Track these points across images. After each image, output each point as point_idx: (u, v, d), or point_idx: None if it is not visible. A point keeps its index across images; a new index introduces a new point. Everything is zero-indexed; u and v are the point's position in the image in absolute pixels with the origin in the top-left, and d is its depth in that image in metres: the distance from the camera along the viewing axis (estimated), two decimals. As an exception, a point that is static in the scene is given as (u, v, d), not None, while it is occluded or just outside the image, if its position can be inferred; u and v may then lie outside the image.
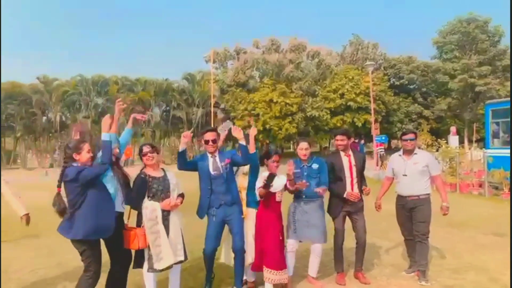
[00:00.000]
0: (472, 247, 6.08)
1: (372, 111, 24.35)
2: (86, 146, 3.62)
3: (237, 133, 4.29)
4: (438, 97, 39.30)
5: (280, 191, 4.33)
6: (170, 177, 4.01)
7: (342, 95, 34.13)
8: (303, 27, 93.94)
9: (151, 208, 3.80)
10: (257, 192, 4.26)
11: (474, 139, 33.60)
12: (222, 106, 36.44)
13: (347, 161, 4.70)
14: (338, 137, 4.76)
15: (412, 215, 4.77)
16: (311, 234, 4.48)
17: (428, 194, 4.75)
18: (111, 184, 3.77)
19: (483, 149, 14.86)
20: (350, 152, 4.76)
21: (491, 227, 7.60)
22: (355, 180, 4.66)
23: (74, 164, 3.54)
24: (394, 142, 42.75)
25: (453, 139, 20.31)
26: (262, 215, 4.32)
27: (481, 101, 32.34)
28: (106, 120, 3.72)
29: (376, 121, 30.39)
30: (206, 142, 4.31)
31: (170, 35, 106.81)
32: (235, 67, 38.18)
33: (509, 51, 37.11)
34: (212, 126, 29.69)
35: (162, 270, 3.82)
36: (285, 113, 32.82)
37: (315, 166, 4.59)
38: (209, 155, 4.33)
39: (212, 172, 4.26)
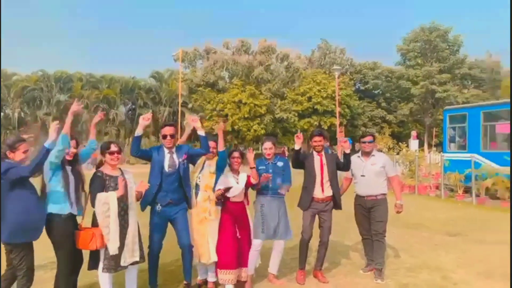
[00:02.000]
0: (427, 247, 6.32)
1: (337, 115, 24.89)
2: (22, 146, 3.53)
3: (195, 123, 4.29)
4: (400, 102, 40.72)
5: (240, 191, 4.40)
6: (127, 177, 3.90)
7: (309, 98, 34.70)
8: (273, 30, 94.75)
9: (103, 200, 3.62)
10: (214, 194, 4.31)
11: (433, 143, 35.01)
12: (190, 105, 36.11)
13: (318, 160, 4.77)
14: (316, 138, 4.82)
15: (370, 215, 4.91)
16: (278, 231, 4.53)
17: (385, 194, 4.91)
18: (60, 185, 3.63)
19: (441, 153, 15.50)
20: (323, 152, 4.84)
21: (445, 227, 7.92)
22: (325, 179, 4.73)
23: (7, 160, 3.46)
24: (358, 145, 43.83)
25: (414, 143, 21.15)
26: (221, 216, 4.40)
27: (440, 107, 33.78)
28: (53, 127, 3.49)
29: (341, 124, 31.11)
30: (164, 136, 4.24)
31: (139, 32, 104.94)
32: (204, 67, 37.99)
33: (467, 60, 39.01)
34: (180, 125, 29.61)
35: (118, 270, 3.73)
36: (254, 114, 33.02)
37: (279, 163, 4.67)
38: (166, 150, 4.26)
39: (166, 169, 4.19)
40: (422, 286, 4.58)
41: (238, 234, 4.38)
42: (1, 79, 33.69)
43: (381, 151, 19.00)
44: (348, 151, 4.74)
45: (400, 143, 18.90)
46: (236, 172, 4.50)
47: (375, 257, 4.86)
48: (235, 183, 4.39)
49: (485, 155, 12.65)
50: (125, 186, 3.73)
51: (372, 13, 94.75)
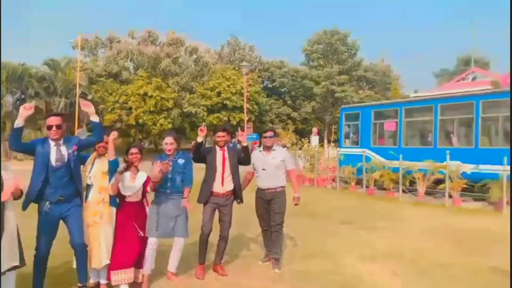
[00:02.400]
0: (321, 235, 6.80)
1: (245, 110, 25.38)
2: None
3: (87, 108, 4.07)
4: (304, 101, 42.90)
5: (137, 191, 4.30)
6: (4, 174, 3.43)
7: (219, 94, 34.77)
8: (183, 23, 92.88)
9: None
10: (109, 188, 4.14)
11: (332, 139, 37.64)
12: (90, 96, 33.73)
13: (220, 154, 4.79)
14: (220, 133, 4.82)
15: (269, 207, 5.12)
16: (175, 229, 4.45)
17: (284, 186, 5.16)
18: None
19: (338, 148, 16.74)
20: (225, 147, 4.87)
21: (339, 216, 8.60)
22: (227, 174, 4.77)
23: None
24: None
25: (314, 139, 22.50)
26: (117, 217, 4.26)
27: (339, 106, 36.42)
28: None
29: (249, 120, 31.84)
30: (49, 127, 3.89)
31: (32, 16, 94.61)
32: (106, 56, 35.79)
33: (363, 63, 42.54)
34: (77, 117, 27.50)
35: None
36: (161, 108, 32.04)
37: (180, 161, 4.58)
38: (52, 143, 3.90)
39: (53, 163, 3.85)
40: (314, 272, 4.91)
41: (140, 233, 4.25)
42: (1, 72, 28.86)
43: (285, 146, 19.92)
44: (245, 144, 4.86)
45: (302, 139, 19.99)
46: (135, 169, 4.33)
47: (273, 248, 5.09)
48: (131, 183, 4.24)
49: (374, 150, 14.00)
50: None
51: (283, 14, 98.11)
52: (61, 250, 4.18)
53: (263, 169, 5.15)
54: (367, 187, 12.79)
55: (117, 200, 4.28)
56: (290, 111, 42.62)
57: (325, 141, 37.72)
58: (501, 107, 11.68)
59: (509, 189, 9.05)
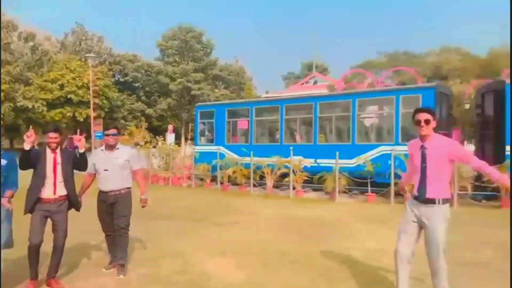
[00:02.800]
0: (172, 235, 6.63)
1: (91, 106, 23.41)
2: None
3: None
4: (160, 97, 41.97)
5: None
6: None
7: (61, 86, 31.38)
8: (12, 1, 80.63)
9: None
10: None
11: (189, 137, 37.72)
12: None
13: (52, 158, 4.22)
14: (51, 134, 4.22)
15: (113, 210, 4.74)
16: None
17: (129, 188, 4.84)
18: None
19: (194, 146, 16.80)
20: (58, 150, 4.28)
21: (191, 214, 8.58)
22: (59, 179, 4.24)
23: None
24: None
25: (170, 137, 22.16)
26: None
27: (195, 103, 36.70)
28: None
29: (99, 116, 29.54)
30: None
31: None
32: None
33: (218, 62, 43.68)
34: None
35: None
36: (-13, 100, 27.29)
37: (3, 162, 3.95)
38: None
39: None
40: (162, 273, 4.73)
41: None
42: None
43: (138, 144, 19.06)
44: (82, 151, 4.37)
45: (157, 136, 19.42)
46: None
47: (118, 253, 4.73)
48: None
49: (228, 148, 14.47)
50: None
51: (137, 4, 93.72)
52: None
53: (106, 170, 4.74)
54: (221, 183, 13.13)
55: None
56: (145, 108, 41.16)
57: (182, 138, 37.54)
58: (335, 108, 13.38)
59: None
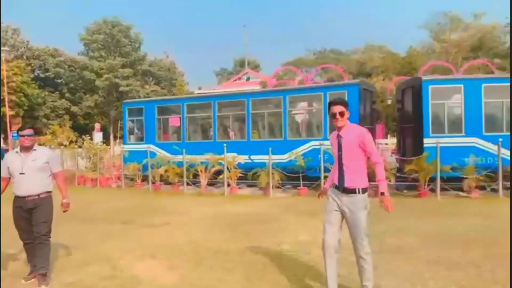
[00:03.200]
0: (99, 239, 6.31)
1: (6, 104, 21.50)
2: None
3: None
4: (86, 94, 39.71)
5: None
6: None
7: (-30, 82, 28.31)
8: None
9: None
10: None
11: (119, 135, 36.15)
12: None
13: None
14: None
15: (31, 217, 4.39)
16: None
17: (50, 192, 4.52)
18: None
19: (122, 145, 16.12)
20: None
21: (120, 217, 8.22)
22: None
23: None
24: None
25: (98, 136, 21.09)
26: None
27: (124, 100, 35.27)
28: None
29: (17, 115, 27.21)
30: None
31: None
32: None
33: (147, 58, 42.31)
34: None
35: None
36: None
37: None
38: None
39: None
40: (89, 280, 4.48)
41: None
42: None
43: (62, 144, 17.86)
44: None
45: (84, 135, 18.33)
46: None
47: (38, 262, 4.39)
48: None
49: (159, 146, 14.10)
50: None
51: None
52: None
53: (22, 174, 4.37)
54: (153, 183, 12.76)
55: None
56: (69, 105, 38.71)
57: (111, 137, 35.89)
58: (267, 104, 13.62)
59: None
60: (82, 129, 32.94)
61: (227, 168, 11.52)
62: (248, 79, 37.80)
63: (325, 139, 11.07)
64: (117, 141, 30.93)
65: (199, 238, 6.27)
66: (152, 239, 6.27)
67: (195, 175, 12.40)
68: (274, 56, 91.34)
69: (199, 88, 43.27)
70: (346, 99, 10.60)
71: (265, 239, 6.03)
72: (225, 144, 11.84)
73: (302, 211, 8.20)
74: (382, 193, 3.50)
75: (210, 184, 12.36)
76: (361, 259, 3.55)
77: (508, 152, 9.81)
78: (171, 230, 6.94)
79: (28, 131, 4.46)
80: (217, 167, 11.94)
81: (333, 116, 3.59)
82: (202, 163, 12.13)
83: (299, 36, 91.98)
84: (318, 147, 10.82)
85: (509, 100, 9.94)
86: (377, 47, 34.75)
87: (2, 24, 37.29)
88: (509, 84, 9.85)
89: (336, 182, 3.64)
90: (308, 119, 13.94)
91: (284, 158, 11.61)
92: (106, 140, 27.85)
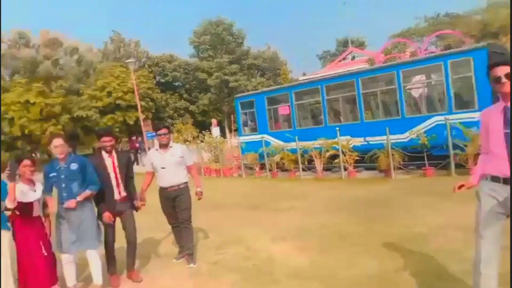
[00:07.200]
0: (232, 223, 6.85)
1: (139, 108, 24.33)
2: None
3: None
4: (200, 93, 42.70)
5: (39, 204, 4.07)
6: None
7: (109, 93, 32.71)
8: (54, 20, 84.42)
9: None
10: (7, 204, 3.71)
11: (233, 128, 38.18)
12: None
13: (110, 162, 4.50)
14: (105, 138, 4.50)
15: (175, 204, 4.98)
16: (82, 243, 4.15)
17: (186, 182, 5.05)
18: None
19: (238, 136, 17.02)
20: (114, 153, 4.56)
21: (248, 202, 8.77)
22: (120, 181, 4.52)
23: None
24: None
25: (215, 130, 22.55)
26: (18, 235, 3.93)
27: (234, 95, 37.06)
28: None
29: (146, 118, 30.61)
30: None
31: None
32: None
33: (251, 51, 43.65)
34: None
35: None
36: (47, 115, 28.99)
37: (73, 166, 4.17)
38: None
39: None
40: (230, 260, 4.94)
41: (44, 251, 4.00)
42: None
43: (187, 140, 19.60)
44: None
45: (203, 131, 19.86)
46: (29, 181, 4.02)
47: (185, 243, 5.00)
48: (33, 192, 3.99)
49: (272, 135, 14.53)
50: None
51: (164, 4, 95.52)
52: None
53: (163, 168, 4.97)
54: (270, 170, 13.25)
55: (8, 220, 3.87)
56: (188, 105, 42.12)
57: (227, 130, 38.11)
58: (378, 82, 13.00)
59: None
60: (200, 125, 35.61)
61: (342, 152, 11.35)
62: (353, 58, 36.46)
63: (451, 113, 10.17)
64: (232, 133, 32.68)
65: (325, 221, 6.33)
66: (281, 223, 6.56)
67: (310, 161, 12.49)
68: (378, 32, 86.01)
69: (303, 74, 43.21)
70: (472, 66, 9.72)
71: (392, 222, 5.82)
72: (337, 128, 11.66)
73: (430, 192, 7.62)
74: None
75: (326, 169, 12.35)
76: None
77: None
78: (297, 214, 7.16)
79: (164, 131, 5.03)
80: (332, 152, 11.84)
81: (496, 80, 2.65)
82: (315, 148, 12.17)
83: (407, 4, 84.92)
84: (442, 122, 9.97)
85: None
86: (503, 3, 30.33)
87: (125, 39, 42.29)
88: None
89: (496, 172, 2.67)
90: (428, 93, 12.92)
91: (403, 137, 10.98)
92: (222, 133, 29.72)
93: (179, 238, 5.15)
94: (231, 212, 7.88)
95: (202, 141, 17.14)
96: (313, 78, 15.14)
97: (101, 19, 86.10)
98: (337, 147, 11.45)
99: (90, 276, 4.40)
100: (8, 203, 3.68)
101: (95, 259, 4.24)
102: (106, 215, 4.36)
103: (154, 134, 23.89)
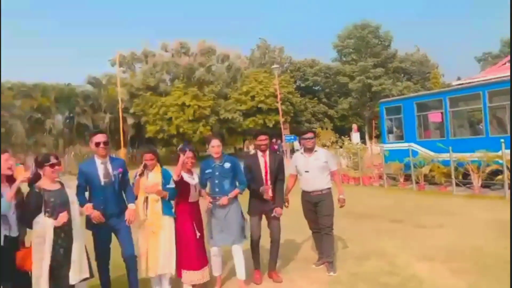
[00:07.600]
0: (372, 235, 6.55)
1: (280, 112, 25.29)
2: None
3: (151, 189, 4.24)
4: (340, 97, 42.26)
5: (196, 191, 4.46)
6: (69, 192, 3.66)
7: (253, 98, 34.90)
8: (211, 30, 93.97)
9: (42, 224, 3.40)
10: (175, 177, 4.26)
11: (374, 134, 36.65)
12: (131, 110, 34.87)
13: (263, 161, 4.74)
14: (262, 136, 4.78)
15: (316, 209, 4.96)
16: (228, 237, 4.44)
17: (330, 188, 4.98)
18: None
19: (380, 144, 16.22)
20: (267, 153, 4.79)
21: (389, 215, 8.26)
22: (269, 181, 4.69)
23: None
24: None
25: (355, 136, 21.99)
26: (178, 218, 4.36)
27: (377, 100, 35.55)
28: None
29: (285, 121, 31.67)
30: (97, 144, 4.05)
31: (71, 38, 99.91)
32: (143, 70, 36.94)
33: (398, 54, 41.29)
34: (122, 131, 28.50)
35: None
36: (199, 116, 32.55)
37: (227, 165, 4.52)
38: (99, 161, 4.07)
39: (101, 181, 4.00)
40: (371, 273, 4.72)
41: (197, 235, 4.37)
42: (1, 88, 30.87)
43: (325, 145, 19.55)
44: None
45: (342, 136, 19.55)
46: (189, 172, 4.47)
47: (326, 250, 4.94)
48: (192, 180, 4.44)
49: (421, 144, 13.41)
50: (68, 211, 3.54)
51: (308, 11, 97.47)
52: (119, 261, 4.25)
53: (306, 171, 4.99)
54: (417, 182, 12.25)
55: (172, 207, 4.37)
56: (326, 109, 42.08)
57: (367, 137, 36.82)
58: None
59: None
60: (339, 130, 35.24)
61: (507, 168, 9.80)
62: (522, 60, 31.28)
63: None
64: (373, 140, 31.43)
65: (479, 243, 5.61)
66: (427, 240, 6.03)
67: (465, 175, 11.14)
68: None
69: (458, 78, 38.84)
70: None
71: None
72: (502, 140, 10.13)
73: None
74: None
75: (484, 186, 10.85)
76: None
77: None
78: (446, 232, 6.48)
79: (309, 135, 5.07)
80: (494, 166, 10.33)
81: None
82: (473, 161, 10.79)
83: None
84: None
85: None
86: None
87: (271, 46, 44.46)
88: None
89: None
90: None
91: None
92: (362, 139, 28.80)
93: (319, 244, 5.13)
94: (371, 223, 7.54)
95: (341, 147, 16.87)
96: (473, 82, 13.45)
97: (250, 26, 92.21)
98: (501, 161, 9.95)
99: (233, 269, 4.69)
100: (175, 176, 4.22)
101: (239, 254, 4.47)
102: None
103: (292, 137, 24.56)
